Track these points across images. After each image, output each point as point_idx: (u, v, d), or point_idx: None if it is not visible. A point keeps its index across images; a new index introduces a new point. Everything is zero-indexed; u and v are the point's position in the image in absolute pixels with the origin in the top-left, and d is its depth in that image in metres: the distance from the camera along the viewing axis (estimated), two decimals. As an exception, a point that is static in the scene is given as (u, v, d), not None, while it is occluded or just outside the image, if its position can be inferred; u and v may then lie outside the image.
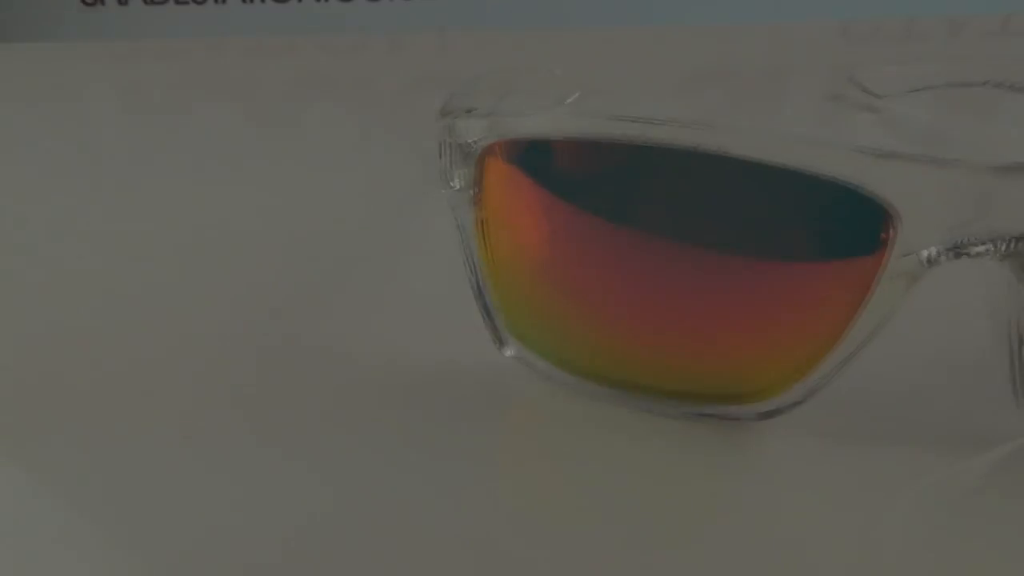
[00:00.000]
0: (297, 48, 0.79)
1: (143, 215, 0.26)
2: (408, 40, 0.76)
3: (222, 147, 0.35)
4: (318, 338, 0.18)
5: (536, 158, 0.15)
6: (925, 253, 0.13)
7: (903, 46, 0.69)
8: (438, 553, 0.13)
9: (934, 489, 0.14)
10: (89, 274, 0.22)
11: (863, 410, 0.16)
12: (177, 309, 0.20)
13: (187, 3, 0.83)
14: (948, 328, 0.17)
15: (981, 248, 0.13)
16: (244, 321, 0.19)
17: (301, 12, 0.81)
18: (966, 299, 0.16)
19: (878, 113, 0.32)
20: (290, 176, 0.30)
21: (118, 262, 0.23)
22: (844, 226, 0.13)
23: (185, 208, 0.27)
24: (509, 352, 0.16)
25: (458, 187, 0.15)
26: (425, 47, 0.73)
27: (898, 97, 0.32)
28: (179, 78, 0.64)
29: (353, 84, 0.53)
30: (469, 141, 0.15)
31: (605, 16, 0.77)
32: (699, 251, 0.14)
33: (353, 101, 0.46)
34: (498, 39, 0.71)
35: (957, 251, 0.13)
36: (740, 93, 0.43)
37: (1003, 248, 0.13)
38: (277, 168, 0.31)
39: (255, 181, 0.29)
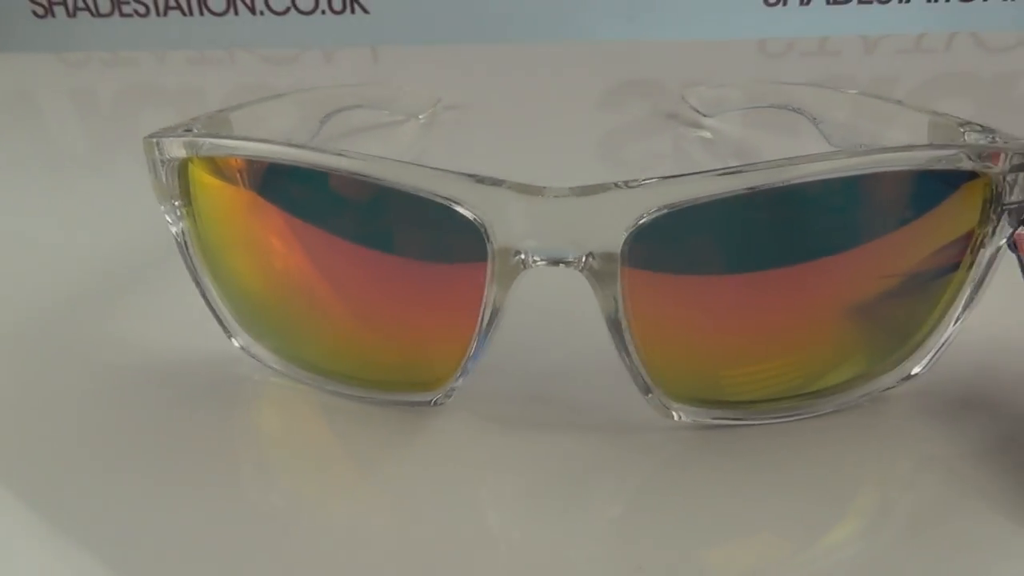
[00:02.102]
0: (237, 59, 0.82)
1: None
2: (342, 54, 0.78)
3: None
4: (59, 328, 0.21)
5: (228, 173, 0.17)
6: (519, 258, 0.15)
7: (816, 62, 0.72)
8: (144, 527, 0.15)
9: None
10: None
11: (520, 400, 0.18)
12: None
13: (131, 15, 0.86)
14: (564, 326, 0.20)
15: (571, 258, 0.15)
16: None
17: (240, 25, 0.84)
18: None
19: (702, 129, 0.35)
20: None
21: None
22: (451, 237, 0.15)
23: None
24: (237, 342, 0.19)
25: (167, 198, 0.17)
26: (359, 60, 0.76)
27: (719, 116, 0.34)
28: (127, 86, 0.66)
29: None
30: (171, 157, 0.17)
31: (536, 32, 0.80)
32: (368, 255, 0.17)
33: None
34: (427, 53, 0.74)
35: (550, 260, 0.15)
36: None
37: (583, 261, 0.15)
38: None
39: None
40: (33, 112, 0.54)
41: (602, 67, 0.59)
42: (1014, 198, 0.16)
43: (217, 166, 0.17)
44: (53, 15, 0.80)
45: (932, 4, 0.79)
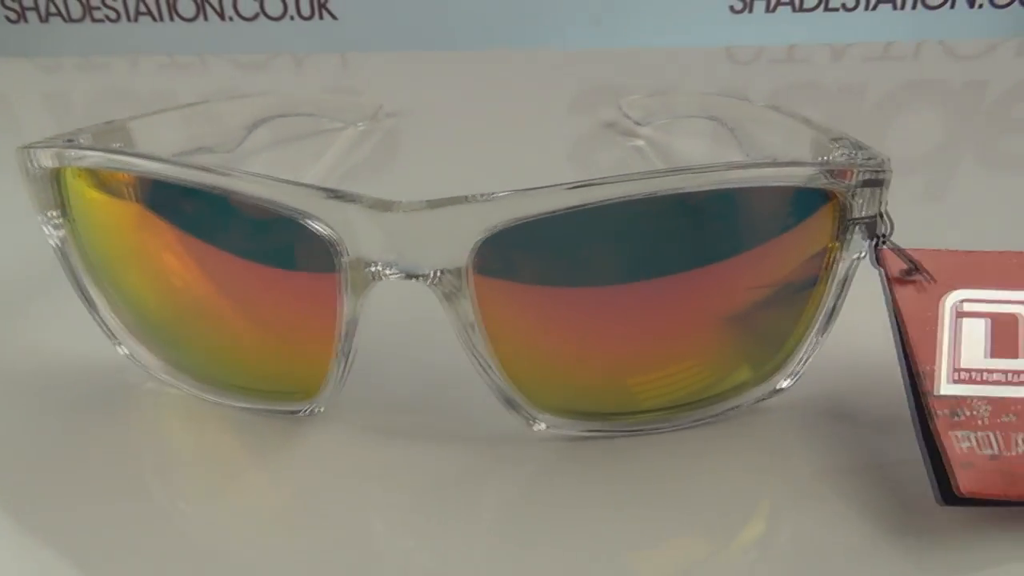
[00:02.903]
0: (208, 64, 0.82)
1: None
2: (312, 60, 0.78)
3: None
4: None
5: (103, 184, 0.17)
6: (371, 270, 0.15)
7: (785, 70, 0.72)
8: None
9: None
10: None
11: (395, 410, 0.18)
12: None
13: (103, 20, 0.86)
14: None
15: (423, 273, 0.15)
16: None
17: (209, 30, 0.84)
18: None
19: (635, 138, 0.35)
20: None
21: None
22: (306, 249, 0.15)
23: None
24: (122, 350, 0.19)
25: (42, 209, 0.18)
26: (327, 66, 0.76)
27: (652, 125, 0.35)
28: (101, 90, 0.66)
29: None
30: (43, 167, 0.17)
31: (503, 38, 0.81)
32: (233, 265, 0.17)
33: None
34: (396, 60, 0.74)
35: (403, 273, 0.15)
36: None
37: (433, 276, 0.15)
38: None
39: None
40: (7, 116, 0.54)
41: (567, 74, 0.60)
42: (862, 213, 0.16)
43: (93, 177, 0.17)
44: (26, 20, 0.81)
45: (898, 12, 0.80)
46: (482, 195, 0.15)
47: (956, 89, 0.62)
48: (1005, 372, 0.16)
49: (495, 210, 0.15)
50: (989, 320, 0.16)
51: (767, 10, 0.79)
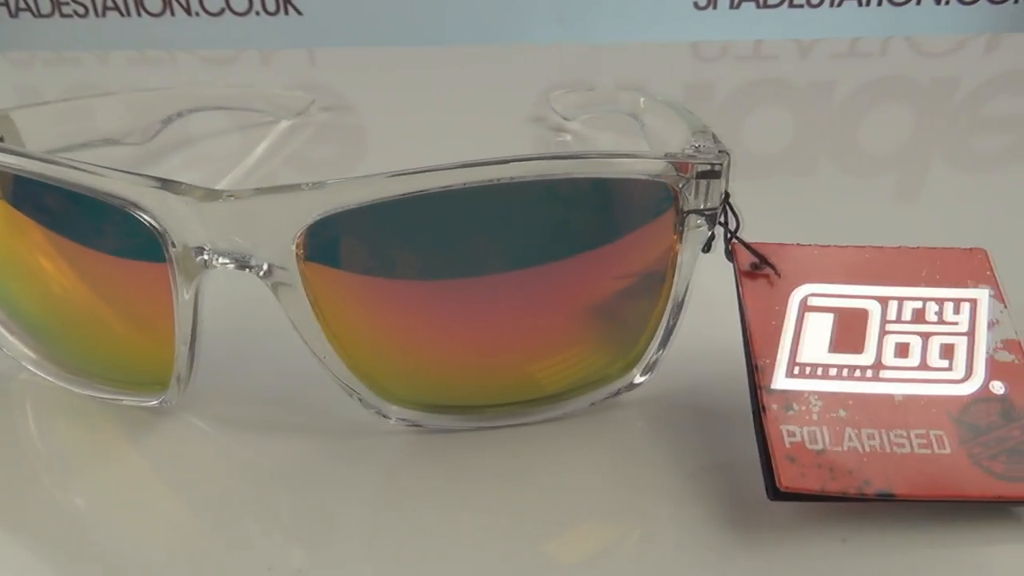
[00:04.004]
0: (177, 59, 0.81)
1: None
2: (278, 55, 0.78)
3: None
4: None
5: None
6: (202, 259, 0.15)
7: (752, 66, 0.72)
8: None
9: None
10: None
11: (252, 402, 0.18)
12: None
13: (71, 16, 0.86)
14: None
15: (253, 263, 0.15)
16: None
17: (176, 25, 0.84)
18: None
19: (563, 132, 0.35)
20: None
21: None
22: (138, 239, 0.15)
23: None
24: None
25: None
26: (295, 61, 0.76)
27: (579, 119, 0.35)
28: (72, 85, 0.66)
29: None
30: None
31: (469, 34, 0.81)
32: (77, 255, 0.17)
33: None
34: (364, 56, 0.74)
35: (235, 262, 0.15)
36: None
37: (261, 267, 0.15)
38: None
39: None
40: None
41: (527, 71, 0.59)
42: (703, 205, 0.16)
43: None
44: (-5, 15, 0.81)
45: (864, 8, 0.79)
46: (306, 184, 0.14)
47: (925, 86, 0.61)
48: (844, 367, 0.16)
49: (318, 199, 0.14)
50: (835, 315, 0.16)
51: (731, 7, 0.78)
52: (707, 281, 0.17)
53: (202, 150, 0.34)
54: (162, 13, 0.85)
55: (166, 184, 0.15)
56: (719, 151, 0.16)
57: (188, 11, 0.84)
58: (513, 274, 0.16)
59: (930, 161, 0.36)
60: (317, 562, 0.14)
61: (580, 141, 0.34)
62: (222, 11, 0.84)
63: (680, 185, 0.15)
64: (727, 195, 0.16)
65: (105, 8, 0.85)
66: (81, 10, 0.85)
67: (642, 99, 0.27)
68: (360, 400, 0.16)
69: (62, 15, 0.85)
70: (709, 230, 0.16)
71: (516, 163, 0.14)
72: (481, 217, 0.15)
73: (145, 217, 0.15)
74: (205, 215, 0.15)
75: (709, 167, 0.15)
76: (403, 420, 0.17)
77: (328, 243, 0.15)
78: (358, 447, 0.17)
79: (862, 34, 0.73)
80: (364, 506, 0.15)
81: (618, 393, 0.18)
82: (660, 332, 0.17)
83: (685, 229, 0.16)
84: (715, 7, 0.79)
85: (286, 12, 0.83)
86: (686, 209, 0.15)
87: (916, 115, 0.44)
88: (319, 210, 0.14)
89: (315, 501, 0.16)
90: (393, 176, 0.14)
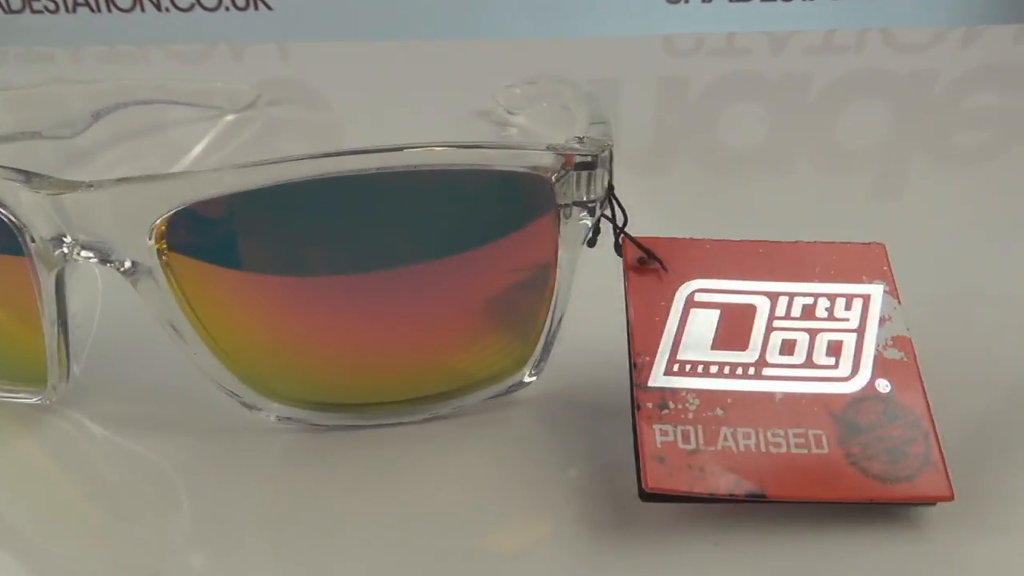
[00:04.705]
0: (149, 56, 0.81)
1: None
2: (250, 50, 0.77)
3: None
4: None
5: None
6: (62, 252, 0.15)
7: (726, 61, 0.71)
8: None
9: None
10: None
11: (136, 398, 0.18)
12: None
13: (42, 11, 0.85)
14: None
15: (114, 258, 0.15)
16: None
17: (146, 21, 0.83)
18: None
19: (508, 126, 0.35)
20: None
21: None
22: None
23: None
24: None
25: None
26: (267, 56, 0.75)
27: (524, 112, 0.34)
28: (47, 81, 0.65)
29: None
30: None
31: (442, 28, 0.80)
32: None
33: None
34: (338, 50, 0.73)
35: (97, 256, 0.15)
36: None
37: (120, 261, 0.15)
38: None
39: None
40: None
41: (500, 66, 0.59)
42: (583, 198, 0.15)
43: None
44: (-35, 10, 0.80)
45: (837, 2, 0.79)
46: (165, 173, 0.14)
47: (902, 80, 0.61)
48: (726, 364, 0.15)
49: (176, 189, 0.14)
50: (721, 311, 0.16)
51: (703, 0, 0.78)
52: (605, 277, 0.17)
53: (136, 145, 0.34)
54: (132, 8, 0.84)
55: (23, 176, 0.14)
56: (601, 143, 0.15)
57: (158, 7, 0.83)
58: (390, 269, 0.15)
59: (909, 158, 0.36)
60: (209, 563, 0.14)
61: (526, 135, 0.34)
62: (192, 7, 0.83)
63: (555, 177, 0.15)
64: (611, 187, 0.16)
65: (76, 4, 0.85)
66: (52, 6, 0.85)
67: (569, 90, 0.26)
68: (234, 397, 0.16)
69: (33, 11, 0.85)
70: (591, 224, 0.16)
71: (378, 154, 0.14)
72: (354, 209, 0.15)
73: (3, 211, 0.14)
74: (63, 207, 0.14)
75: (588, 158, 0.15)
76: (285, 418, 0.17)
77: (194, 236, 0.15)
78: (248, 444, 0.17)
79: (835, 26, 0.73)
80: (253, 503, 0.15)
81: (508, 392, 0.17)
82: (546, 329, 0.16)
83: (565, 222, 0.15)
84: (687, 1, 0.79)
85: (256, 7, 0.83)
86: (563, 202, 0.15)
87: (894, 110, 0.44)
88: (177, 201, 0.14)
89: (187, 498, 0.15)
90: (250, 167, 0.14)
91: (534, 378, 0.17)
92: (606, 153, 0.15)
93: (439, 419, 0.17)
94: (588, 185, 0.15)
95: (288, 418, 0.17)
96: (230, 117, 0.37)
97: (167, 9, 0.82)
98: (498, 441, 0.17)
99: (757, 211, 0.27)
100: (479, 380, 0.17)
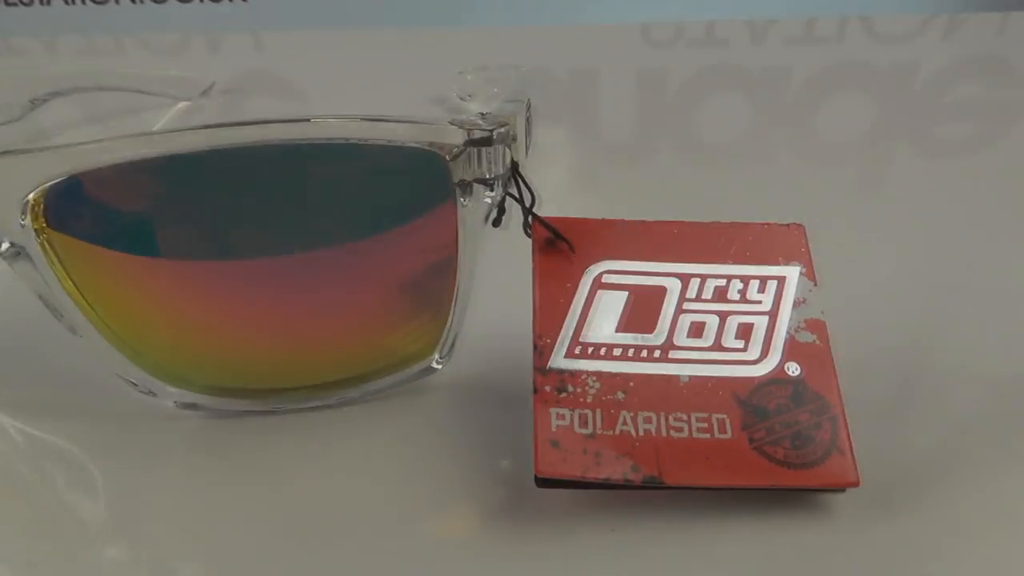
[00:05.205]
0: (126, 47, 0.80)
1: None
2: (226, 40, 0.77)
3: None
4: None
5: None
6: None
7: (705, 53, 0.71)
8: None
9: None
10: None
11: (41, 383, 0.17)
12: None
13: (16, 4, 0.84)
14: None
15: None
16: None
17: (121, 12, 0.82)
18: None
19: (461, 112, 0.34)
20: None
21: None
22: None
23: None
24: None
25: None
26: (242, 47, 0.74)
27: (477, 99, 0.34)
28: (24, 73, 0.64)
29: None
30: None
31: (420, 16, 0.80)
32: None
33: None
34: (312, 38, 0.72)
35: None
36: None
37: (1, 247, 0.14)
38: None
39: None
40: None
41: (469, 54, 0.58)
42: (485, 175, 0.15)
43: None
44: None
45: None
46: (24, 149, 0.13)
47: (883, 71, 0.60)
48: (631, 347, 0.15)
49: (44, 162, 0.13)
50: (630, 292, 0.15)
51: (681, -7, 0.77)
52: (523, 260, 0.16)
53: (81, 133, 0.33)
54: (106, 0, 0.83)
55: None
56: (502, 120, 0.15)
57: (133, -1, 0.83)
58: (286, 248, 0.15)
59: (892, 149, 0.35)
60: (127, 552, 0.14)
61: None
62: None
63: (452, 153, 0.14)
64: (516, 165, 0.15)
65: (50, -5, 0.84)
66: (26, -2, 0.84)
67: (513, 74, 0.26)
68: (129, 383, 0.15)
69: (7, 4, 0.84)
70: (493, 203, 0.15)
71: (275, 124, 0.13)
72: (250, 185, 0.14)
73: None
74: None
75: (485, 134, 0.14)
76: (185, 404, 0.16)
77: (75, 214, 0.14)
78: (153, 428, 0.16)
79: (815, 13, 0.72)
80: (156, 493, 0.15)
81: (419, 377, 0.17)
82: (452, 312, 0.16)
83: (465, 200, 0.15)
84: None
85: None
86: (461, 179, 0.14)
87: (875, 100, 0.43)
88: (47, 174, 0.13)
89: (91, 484, 0.15)
90: (136, 136, 0.13)
91: (443, 363, 0.17)
92: (504, 130, 0.14)
93: (349, 405, 0.16)
94: (489, 162, 0.15)
95: (189, 404, 0.16)
96: (182, 104, 0.37)
97: (142, 1, 0.82)
98: (406, 427, 0.16)
99: (733, 202, 0.26)
100: (384, 366, 0.16)
